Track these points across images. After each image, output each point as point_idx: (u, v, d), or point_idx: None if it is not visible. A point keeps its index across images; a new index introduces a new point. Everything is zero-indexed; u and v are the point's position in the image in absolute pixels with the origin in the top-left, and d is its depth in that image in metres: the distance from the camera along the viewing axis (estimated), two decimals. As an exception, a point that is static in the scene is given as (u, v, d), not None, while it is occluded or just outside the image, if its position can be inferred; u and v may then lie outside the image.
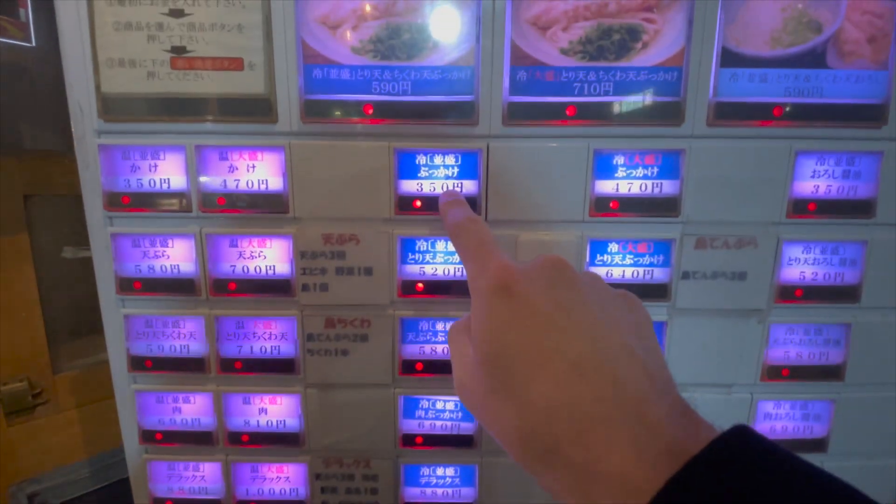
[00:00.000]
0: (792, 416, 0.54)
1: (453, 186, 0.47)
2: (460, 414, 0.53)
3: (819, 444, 0.53)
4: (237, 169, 0.48)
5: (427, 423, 0.53)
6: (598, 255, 0.49)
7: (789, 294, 0.49)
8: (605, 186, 0.48)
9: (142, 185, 0.48)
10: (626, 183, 0.48)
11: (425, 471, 0.55)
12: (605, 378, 0.21)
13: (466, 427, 0.53)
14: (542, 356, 0.22)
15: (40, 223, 0.72)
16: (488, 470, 0.53)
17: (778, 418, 0.54)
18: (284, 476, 0.55)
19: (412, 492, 0.55)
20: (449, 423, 0.53)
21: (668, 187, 0.48)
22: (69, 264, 0.74)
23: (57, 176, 0.71)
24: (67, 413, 0.76)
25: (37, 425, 0.73)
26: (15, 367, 0.70)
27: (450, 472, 0.55)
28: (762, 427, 0.53)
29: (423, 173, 0.48)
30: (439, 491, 0.55)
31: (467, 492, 0.55)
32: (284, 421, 0.53)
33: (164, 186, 0.48)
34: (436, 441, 0.53)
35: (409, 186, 0.48)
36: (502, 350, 0.23)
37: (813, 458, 0.52)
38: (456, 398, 0.43)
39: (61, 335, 0.76)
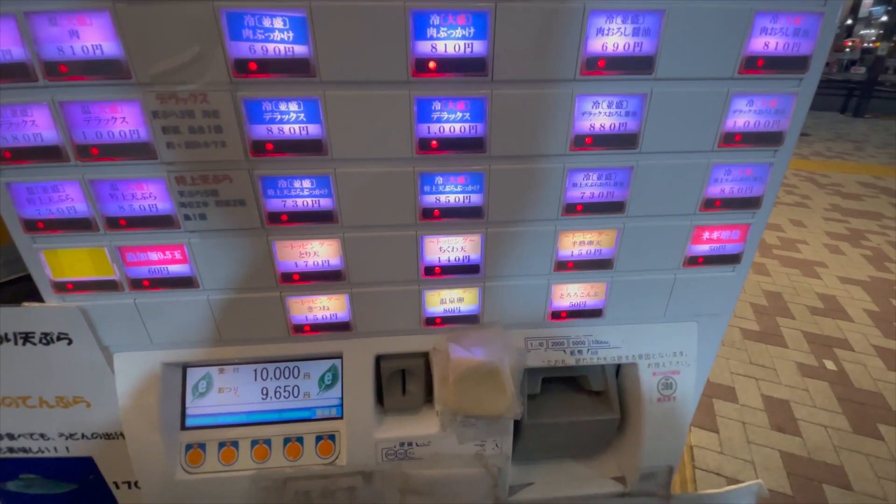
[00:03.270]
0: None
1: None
2: (292, 34, 0.52)
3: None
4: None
5: (258, 45, 0.52)
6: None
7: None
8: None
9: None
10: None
11: (267, 105, 0.55)
12: None
13: (301, 51, 0.52)
14: None
15: None
16: (332, 102, 0.55)
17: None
18: (120, 116, 0.54)
19: (258, 130, 0.56)
20: (283, 48, 0.52)
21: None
22: None
23: None
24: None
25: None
26: None
27: (293, 106, 0.55)
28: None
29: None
30: (286, 128, 0.56)
31: (314, 129, 0.56)
32: (101, 46, 0.50)
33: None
34: (273, 67, 0.53)
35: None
36: None
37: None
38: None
39: None
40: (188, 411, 0.75)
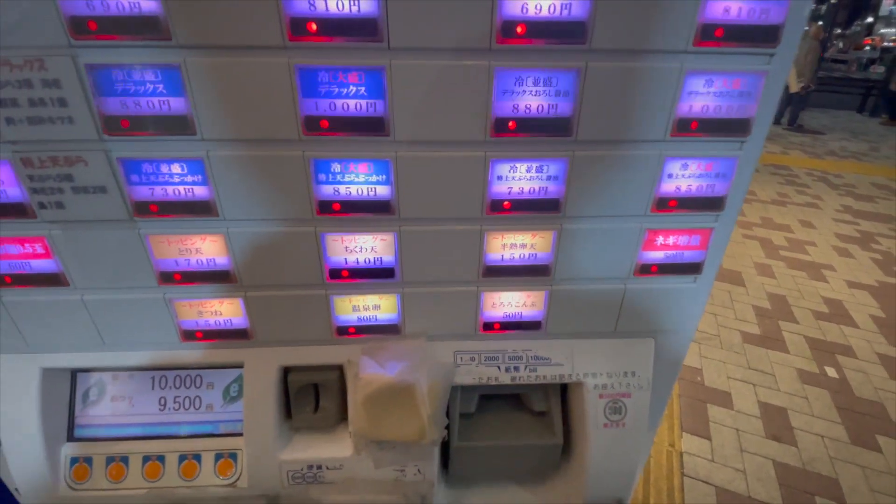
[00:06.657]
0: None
1: None
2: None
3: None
4: None
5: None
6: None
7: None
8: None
9: None
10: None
11: (118, 74, 0.46)
12: None
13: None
14: None
15: None
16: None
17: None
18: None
19: (112, 103, 0.47)
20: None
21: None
22: None
23: None
24: None
25: None
26: None
27: (150, 76, 0.47)
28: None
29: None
30: (143, 101, 0.48)
31: (176, 103, 0.48)
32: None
33: None
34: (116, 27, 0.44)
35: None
36: None
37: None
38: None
39: None
40: (77, 421, 0.67)
